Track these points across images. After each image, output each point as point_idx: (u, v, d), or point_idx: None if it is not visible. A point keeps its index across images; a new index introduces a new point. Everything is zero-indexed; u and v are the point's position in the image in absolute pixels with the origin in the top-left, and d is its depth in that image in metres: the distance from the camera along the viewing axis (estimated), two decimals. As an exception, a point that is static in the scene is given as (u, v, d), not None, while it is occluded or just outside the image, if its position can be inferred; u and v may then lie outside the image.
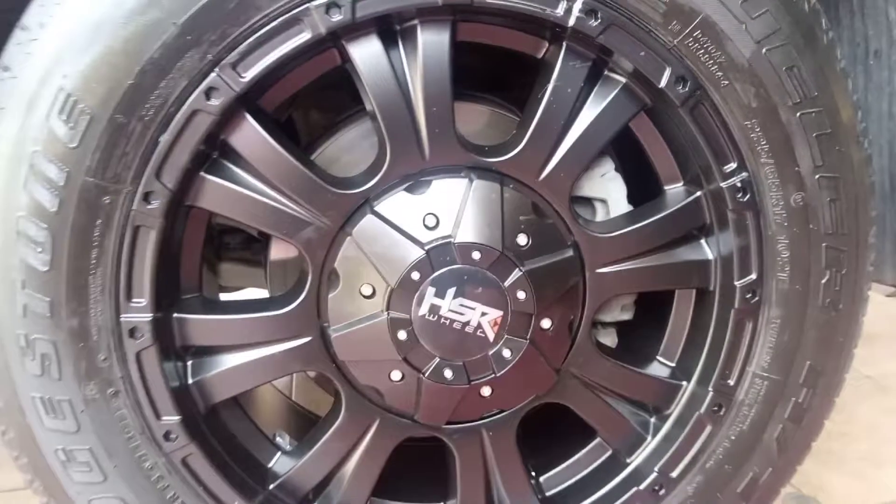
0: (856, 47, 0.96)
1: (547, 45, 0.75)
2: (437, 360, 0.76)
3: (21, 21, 0.67)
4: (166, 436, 0.75)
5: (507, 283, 0.75)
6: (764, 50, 0.71)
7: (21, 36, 0.66)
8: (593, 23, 0.70)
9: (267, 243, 0.89)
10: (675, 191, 0.81)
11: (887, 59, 0.91)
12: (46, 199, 0.66)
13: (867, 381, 1.61)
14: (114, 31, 0.64)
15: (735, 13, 0.70)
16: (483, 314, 0.75)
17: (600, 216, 0.85)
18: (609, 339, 0.92)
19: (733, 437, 0.84)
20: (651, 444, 0.86)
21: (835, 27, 0.98)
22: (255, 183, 0.72)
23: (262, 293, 1.00)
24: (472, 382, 0.78)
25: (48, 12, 0.65)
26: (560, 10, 0.69)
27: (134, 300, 0.71)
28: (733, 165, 0.76)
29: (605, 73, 0.75)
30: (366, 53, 0.71)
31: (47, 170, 0.66)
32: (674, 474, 0.85)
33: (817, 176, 0.76)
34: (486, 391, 0.79)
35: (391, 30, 0.72)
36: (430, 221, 0.74)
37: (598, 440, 0.89)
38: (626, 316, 0.90)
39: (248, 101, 0.70)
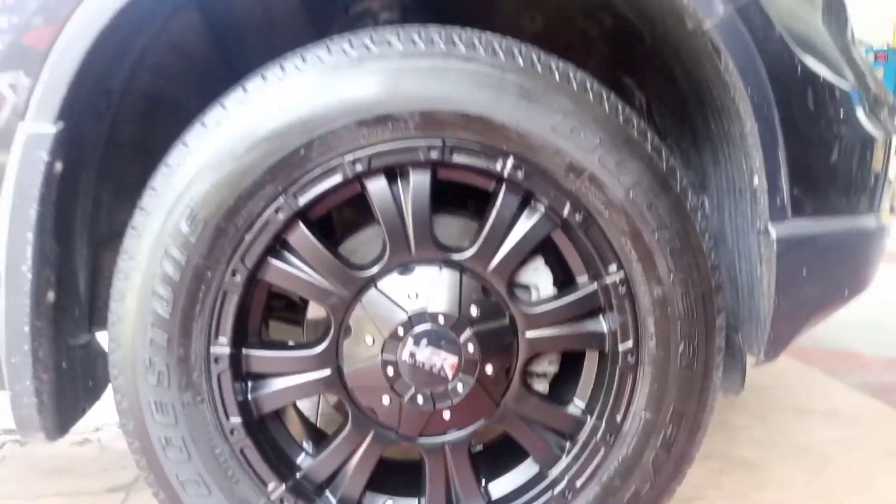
0: (730, 184, 1.33)
1: (494, 183, 1.13)
2: (413, 390, 1.12)
3: (165, 159, 1.08)
4: (231, 432, 1.11)
5: (461, 339, 1.11)
6: (631, 194, 1.09)
7: (165, 170, 1.06)
8: (519, 174, 1.07)
9: (305, 308, 1.28)
10: (581, 281, 1.18)
11: (747, 194, 1.27)
12: (172, 271, 1.05)
13: (793, 446, 1.90)
14: (224, 171, 1.04)
15: (610, 170, 1.08)
16: (445, 360, 1.11)
17: (533, 297, 1.21)
18: (542, 385, 1.26)
19: (620, 459, 1.16)
20: (564, 461, 1.19)
21: (714, 169, 1.36)
22: (302, 266, 1.10)
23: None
24: (437, 407, 1.13)
25: (183, 158, 1.05)
26: (498, 167, 1.08)
27: (219, 339, 1.08)
28: (615, 267, 1.12)
29: (532, 202, 1.12)
30: (376, 187, 1.08)
31: (175, 253, 1.05)
32: (578, 484, 1.17)
33: (672, 277, 1.12)
34: (446, 415, 1.14)
35: (393, 172, 1.11)
36: (413, 295, 1.11)
37: (529, 458, 1.24)
38: (553, 368, 1.25)
39: (301, 213, 1.10)
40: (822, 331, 2.89)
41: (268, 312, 1.33)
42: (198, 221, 1.04)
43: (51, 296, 1.09)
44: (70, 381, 1.17)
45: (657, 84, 1.43)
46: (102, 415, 2.02)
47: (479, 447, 1.32)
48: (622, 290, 1.13)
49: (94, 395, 1.27)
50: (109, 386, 1.21)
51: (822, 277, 1.22)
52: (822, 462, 1.80)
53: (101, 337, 1.25)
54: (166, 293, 1.05)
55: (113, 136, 1.24)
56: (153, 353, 1.06)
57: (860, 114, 1.26)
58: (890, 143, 1.32)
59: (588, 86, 1.09)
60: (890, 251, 3.58)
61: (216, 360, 1.08)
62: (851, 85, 1.24)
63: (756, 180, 1.16)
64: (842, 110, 1.22)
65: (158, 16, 1.16)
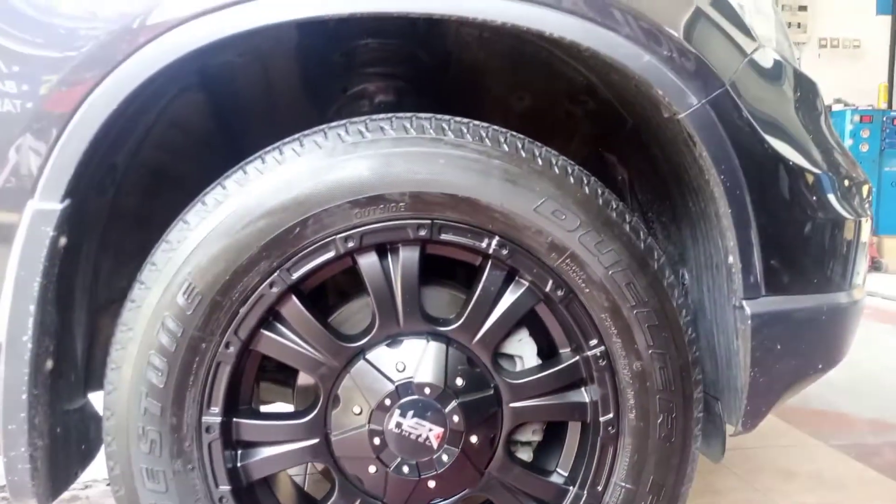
0: (708, 259, 1.39)
1: (480, 259, 1.18)
2: (399, 459, 1.15)
3: (165, 236, 1.13)
4: (220, 500, 1.13)
5: (447, 410, 1.15)
6: (610, 272, 1.15)
7: (165, 246, 1.11)
8: (504, 252, 1.13)
9: (296, 374, 1.31)
10: (564, 353, 1.23)
11: (723, 270, 1.32)
12: (168, 342, 1.09)
13: (777, 511, 1.93)
14: (221, 248, 1.09)
15: (590, 249, 1.14)
16: (430, 430, 1.15)
17: (518, 367, 1.26)
18: (526, 455, 1.30)
19: (602, 527, 1.21)
20: (548, 528, 1.23)
21: (693, 244, 1.42)
22: (294, 337, 1.14)
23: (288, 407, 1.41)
24: (422, 476, 1.16)
25: (184, 235, 1.10)
26: (484, 244, 1.13)
27: (211, 408, 1.12)
28: (596, 341, 1.17)
29: (516, 278, 1.18)
30: (367, 262, 1.13)
31: (172, 326, 1.09)
32: (562, 551, 1.21)
33: (650, 351, 1.17)
34: (431, 484, 1.17)
35: (383, 248, 1.16)
36: (400, 367, 1.15)
37: (513, 526, 1.27)
38: (536, 438, 1.29)
39: (294, 287, 1.14)
40: (808, 391, 2.92)
41: (260, 374, 1.36)
42: (195, 295, 1.08)
43: (49, 364, 1.12)
44: (64, 446, 1.20)
45: (638, 162, 1.50)
46: (91, 472, 2.03)
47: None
48: (602, 363, 1.17)
49: (86, 458, 1.29)
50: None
51: (796, 352, 1.26)
52: (805, 528, 1.82)
53: (95, 399, 1.28)
54: (161, 364, 1.09)
55: (116, 207, 1.29)
56: (146, 421, 1.10)
57: (831, 197, 1.32)
58: (860, 224, 1.38)
59: (569, 170, 1.15)
60: (877, 310, 3.62)
61: (207, 430, 1.11)
62: (822, 169, 1.31)
63: (731, 259, 1.21)
64: (812, 194, 1.28)
65: (164, 97, 1.22)
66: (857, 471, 2.20)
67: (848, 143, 7.06)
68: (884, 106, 7.97)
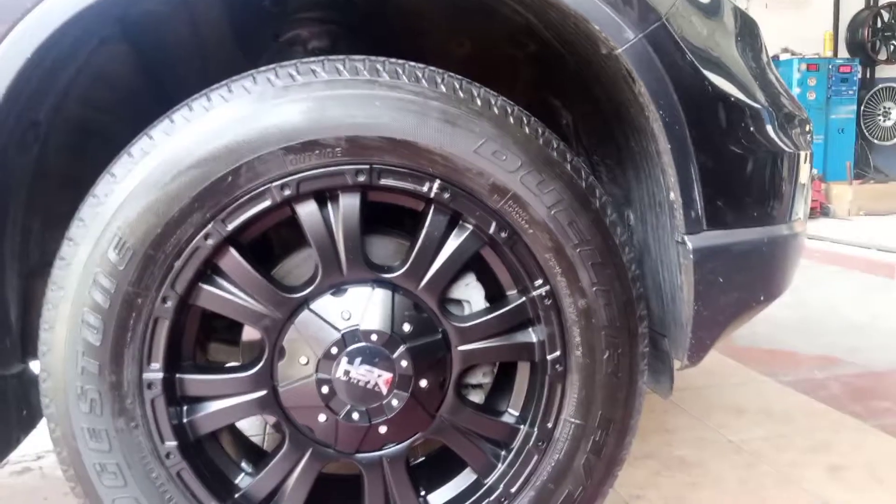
0: (651, 198, 1.40)
1: (423, 204, 1.17)
2: (349, 406, 1.14)
3: (92, 190, 1.09)
4: (167, 456, 1.11)
5: (395, 356, 1.14)
6: (553, 212, 1.14)
7: (92, 200, 1.07)
8: (446, 195, 1.11)
9: (240, 329, 1.29)
10: (511, 295, 1.22)
11: (665, 207, 1.33)
12: (102, 300, 1.06)
13: (728, 445, 1.98)
14: (150, 200, 1.05)
15: (532, 190, 1.13)
16: (379, 376, 1.14)
17: (466, 311, 1.25)
18: (477, 397, 1.30)
19: (553, 464, 1.21)
20: (500, 468, 1.22)
21: (636, 185, 1.42)
22: (234, 290, 1.12)
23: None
24: (372, 422, 1.16)
25: (111, 188, 1.06)
26: (425, 189, 1.11)
27: (152, 364, 1.09)
28: (541, 281, 1.17)
29: (460, 222, 1.17)
30: (305, 210, 1.10)
31: (104, 282, 1.05)
32: (513, 490, 1.21)
33: (594, 289, 1.17)
34: (382, 429, 1.17)
35: (322, 195, 1.13)
36: (346, 315, 1.14)
37: (466, 468, 1.28)
38: (487, 380, 1.29)
39: (231, 238, 1.11)
40: (758, 330, 3.01)
41: (207, 335, 1.34)
42: (126, 250, 1.05)
43: (-21, 327, 1.08)
44: (3, 412, 1.17)
45: (582, 105, 1.49)
46: (42, 443, 1.99)
47: (421, 458, 1.36)
48: (548, 302, 1.17)
49: (28, 424, 1.26)
50: (45, 415, 1.20)
51: (738, 285, 1.28)
52: (753, 459, 1.88)
53: (36, 366, 1.24)
54: (96, 321, 1.06)
55: (42, 166, 1.24)
56: (85, 381, 1.07)
57: (770, 131, 1.33)
58: (798, 157, 1.40)
59: (508, 111, 1.13)
60: (825, 253, 3.72)
61: (149, 386, 1.09)
62: (761, 104, 1.31)
63: (672, 195, 1.22)
64: (752, 128, 1.29)
65: (83, 50, 1.17)
66: (804, 404, 2.28)
67: (795, 91, 7.18)
68: (829, 54, 8.10)
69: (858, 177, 7.68)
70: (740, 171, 1.27)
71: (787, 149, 1.35)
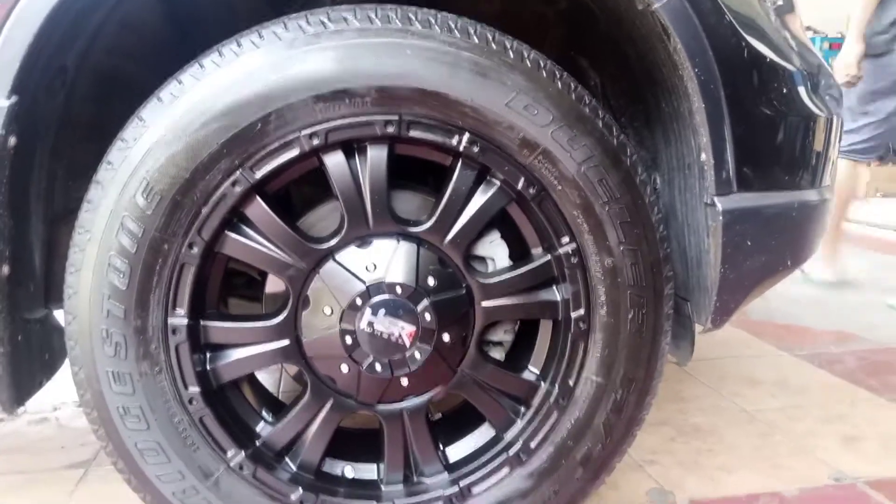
0: (679, 160, 1.38)
1: (451, 159, 1.15)
2: (371, 358, 1.14)
3: (120, 134, 1.08)
4: (190, 401, 1.12)
5: (418, 309, 1.14)
6: (583, 169, 1.13)
7: (121, 144, 1.07)
8: (475, 149, 1.10)
9: (263, 282, 1.29)
10: (536, 253, 1.22)
11: (695, 169, 1.31)
12: (128, 244, 1.06)
13: (742, 414, 1.98)
14: (179, 145, 1.04)
15: (563, 145, 1.12)
16: (402, 328, 1.14)
17: (490, 269, 1.25)
18: (499, 353, 1.30)
19: (573, 421, 1.21)
20: (519, 424, 1.23)
21: (665, 147, 1.40)
22: (259, 239, 1.11)
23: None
24: (394, 375, 1.16)
25: (139, 133, 1.05)
26: (454, 142, 1.10)
27: (177, 310, 1.09)
28: (567, 239, 1.16)
29: (488, 177, 1.16)
30: (333, 161, 1.09)
31: (131, 226, 1.05)
32: (532, 445, 1.22)
33: (622, 248, 1.16)
34: (404, 382, 1.17)
35: (350, 147, 1.13)
36: (371, 267, 1.13)
37: (485, 423, 1.28)
38: (508, 337, 1.29)
39: (258, 187, 1.10)
40: (774, 306, 2.99)
41: (227, 290, 1.34)
42: (154, 194, 1.04)
43: (5, 269, 1.09)
44: (26, 355, 1.17)
45: (611, 65, 1.46)
46: (60, 394, 2.02)
47: (438, 415, 1.36)
48: (574, 260, 1.16)
49: (50, 368, 1.27)
50: (66, 365, 1.21)
51: (766, 248, 1.27)
52: (768, 428, 1.88)
53: (58, 313, 1.25)
54: (123, 265, 1.06)
55: (68, 113, 1.23)
56: (110, 324, 1.07)
57: (804, 94, 1.31)
58: (831, 122, 1.38)
59: (541, 64, 1.11)
60: (843, 232, 3.67)
61: (174, 331, 1.09)
62: (795, 66, 1.29)
63: (703, 156, 1.20)
64: (786, 90, 1.26)
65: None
66: (820, 377, 2.27)
67: (818, 68, 7.04)
68: (854, 32, 7.94)
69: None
70: (773, 133, 1.25)
71: (820, 112, 1.33)
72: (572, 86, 1.13)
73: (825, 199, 1.37)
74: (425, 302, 1.14)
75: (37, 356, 1.21)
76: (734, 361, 2.39)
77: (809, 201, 1.32)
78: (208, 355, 1.14)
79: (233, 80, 1.04)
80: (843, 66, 3.19)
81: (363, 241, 1.14)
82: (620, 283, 1.17)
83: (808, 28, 7.64)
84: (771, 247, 1.27)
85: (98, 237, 1.05)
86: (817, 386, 2.19)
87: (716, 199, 1.20)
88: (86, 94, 1.29)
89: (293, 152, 1.07)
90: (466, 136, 1.10)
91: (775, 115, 1.24)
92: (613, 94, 1.53)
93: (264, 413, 1.23)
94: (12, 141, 1.05)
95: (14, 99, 1.04)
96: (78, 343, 1.08)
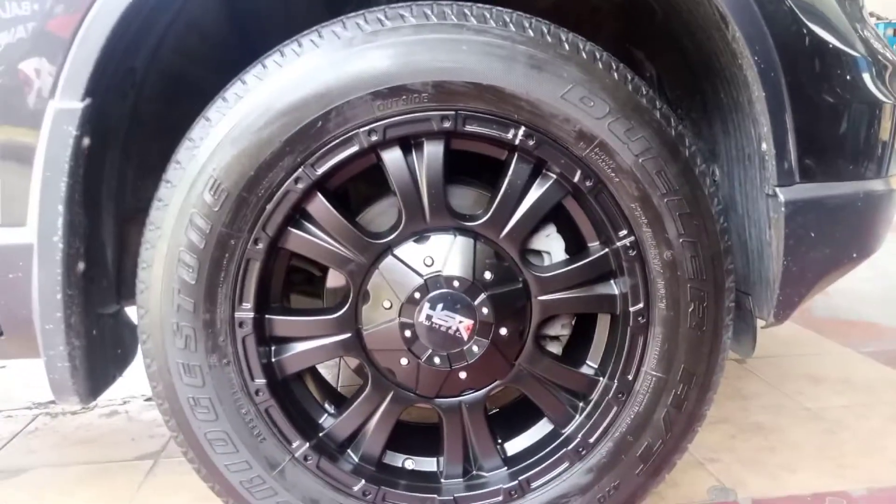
0: (739, 151, 1.36)
1: (506, 153, 1.15)
2: (430, 351, 1.16)
3: (188, 134, 1.12)
4: (256, 393, 1.16)
5: (476, 303, 1.15)
6: (640, 160, 1.12)
7: (189, 144, 1.11)
8: (531, 142, 1.11)
9: (323, 280, 1.32)
10: (593, 246, 1.21)
11: (755, 160, 1.29)
12: (197, 240, 1.10)
13: (805, 412, 1.93)
14: (244, 143, 1.08)
15: (620, 137, 1.11)
16: (460, 322, 1.15)
17: (546, 263, 1.25)
18: (556, 348, 1.30)
19: (633, 416, 1.21)
20: (578, 419, 1.23)
21: (724, 138, 1.38)
22: (321, 234, 1.14)
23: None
24: (453, 368, 1.17)
25: (206, 132, 1.09)
26: (510, 135, 1.11)
27: (243, 304, 1.13)
28: (625, 232, 1.15)
29: (543, 171, 1.16)
30: (391, 157, 1.11)
31: (199, 223, 1.09)
32: (592, 440, 1.22)
33: (681, 240, 1.15)
34: (462, 375, 1.18)
35: (407, 142, 1.14)
36: (428, 261, 1.15)
37: (543, 418, 1.28)
38: (566, 332, 1.29)
39: (319, 184, 1.13)
40: (838, 302, 2.90)
41: (288, 287, 1.37)
42: (221, 191, 1.08)
43: (81, 266, 1.14)
44: (100, 348, 1.22)
45: (667, 56, 1.45)
46: (130, 388, 2.10)
47: (496, 410, 1.37)
48: (632, 253, 1.16)
49: (122, 362, 1.32)
50: (136, 361, 1.26)
51: (830, 240, 1.24)
52: (833, 427, 1.83)
53: (129, 309, 1.30)
54: (192, 261, 1.10)
55: (137, 114, 1.28)
56: (180, 318, 1.11)
57: (868, 80, 1.27)
58: (897, 108, 1.34)
59: (597, 56, 1.11)
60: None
61: (241, 325, 1.13)
62: (858, 52, 1.25)
63: (764, 146, 1.18)
64: (849, 77, 1.23)
65: (177, -2, 1.19)
66: (887, 374, 2.19)
67: (881, 56, 6.81)
68: (918, 19, 7.65)
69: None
70: (836, 121, 1.22)
71: (885, 99, 1.29)
72: (629, 76, 1.13)
73: (892, 190, 1.33)
74: (482, 296, 1.14)
75: (110, 350, 1.26)
76: (796, 359, 2.33)
77: (875, 191, 1.28)
78: (273, 348, 1.18)
79: (294, 80, 1.07)
80: None
81: (420, 235, 1.16)
82: (680, 277, 1.16)
83: (872, 14, 7.39)
84: (835, 239, 1.24)
85: (168, 234, 1.10)
86: (885, 383, 2.12)
87: (777, 189, 1.17)
88: (153, 95, 1.34)
89: (352, 149, 1.09)
90: (522, 129, 1.10)
91: (838, 103, 1.21)
92: (670, 86, 1.51)
93: (327, 405, 1.26)
94: (86, 142, 1.10)
95: (88, 101, 1.08)
96: (150, 336, 1.13)
